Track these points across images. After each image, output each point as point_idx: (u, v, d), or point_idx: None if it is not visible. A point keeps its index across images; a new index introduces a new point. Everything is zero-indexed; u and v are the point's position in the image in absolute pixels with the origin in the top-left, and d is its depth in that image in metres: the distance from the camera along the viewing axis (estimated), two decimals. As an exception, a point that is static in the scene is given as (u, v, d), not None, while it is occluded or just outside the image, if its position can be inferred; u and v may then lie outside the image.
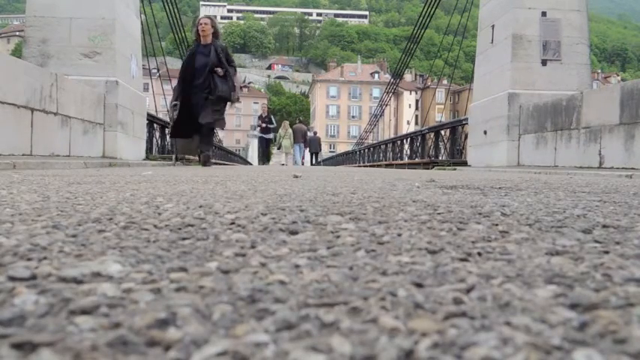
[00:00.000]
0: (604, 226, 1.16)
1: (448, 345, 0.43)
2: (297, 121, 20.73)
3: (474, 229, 1.10)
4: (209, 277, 0.65)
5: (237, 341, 0.43)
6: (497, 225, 1.16)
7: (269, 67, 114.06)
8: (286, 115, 77.19)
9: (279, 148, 19.54)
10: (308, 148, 21.30)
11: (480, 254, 0.82)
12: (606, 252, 0.85)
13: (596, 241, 0.95)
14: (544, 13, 9.03)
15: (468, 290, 0.60)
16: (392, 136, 33.27)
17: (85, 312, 0.50)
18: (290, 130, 18.94)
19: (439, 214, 1.38)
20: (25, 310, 0.50)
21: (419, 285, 0.62)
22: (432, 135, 14.08)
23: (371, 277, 0.66)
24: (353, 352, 0.41)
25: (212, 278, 0.64)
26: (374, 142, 28.63)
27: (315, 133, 25.41)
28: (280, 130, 18.63)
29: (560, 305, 0.54)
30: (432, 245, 0.89)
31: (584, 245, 0.91)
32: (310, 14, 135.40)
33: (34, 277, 0.63)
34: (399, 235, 1.01)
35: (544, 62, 8.93)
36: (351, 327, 0.47)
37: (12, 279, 0.62)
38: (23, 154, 5.68)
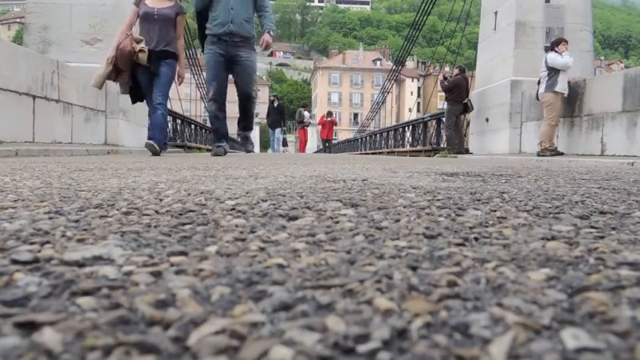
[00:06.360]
0: (601, 213, 1.17)
1: (440, 325, 0.44)
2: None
3: (472, 215, 1.11)
4: (209, 261, 0.66)
5: (234, 321, 0.44)
6: (495, 211, 1.17)
7: (270, 55, 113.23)
8: (288, 102, 76.90)
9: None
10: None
11: (476, 239, 0.83)
12: (602, 237, 0.85)
13: (593, 227, 0.96)
14: (548, 0, 8.95)
15: (463, 273, 0.61)
16: (394, 123, 33.14)
17: (86, 293, 0.51)
18: None
19: (438, 200, 1.39)
20: (28, 291, 0.52)
21: (414, 268, 0.63)
22: (434, 122, 14.03)
23: (368, 260, 0.67)
24: (347, 331, 0.42)
25: (211, 262, 0.65)
26: (375, 129, 28.55)
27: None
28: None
29: (552, 288, 0.55)
30: (429, 230, 0.90)
31: (580, 231, 0.92)
32: (312, 1, 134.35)
33: (36, 260, 0.65)
34: (398, 220, 1.02)
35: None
36: (346, 308, 0.48)
37: (15, 262, 0.63)
38: (25, 142, 5.69)
